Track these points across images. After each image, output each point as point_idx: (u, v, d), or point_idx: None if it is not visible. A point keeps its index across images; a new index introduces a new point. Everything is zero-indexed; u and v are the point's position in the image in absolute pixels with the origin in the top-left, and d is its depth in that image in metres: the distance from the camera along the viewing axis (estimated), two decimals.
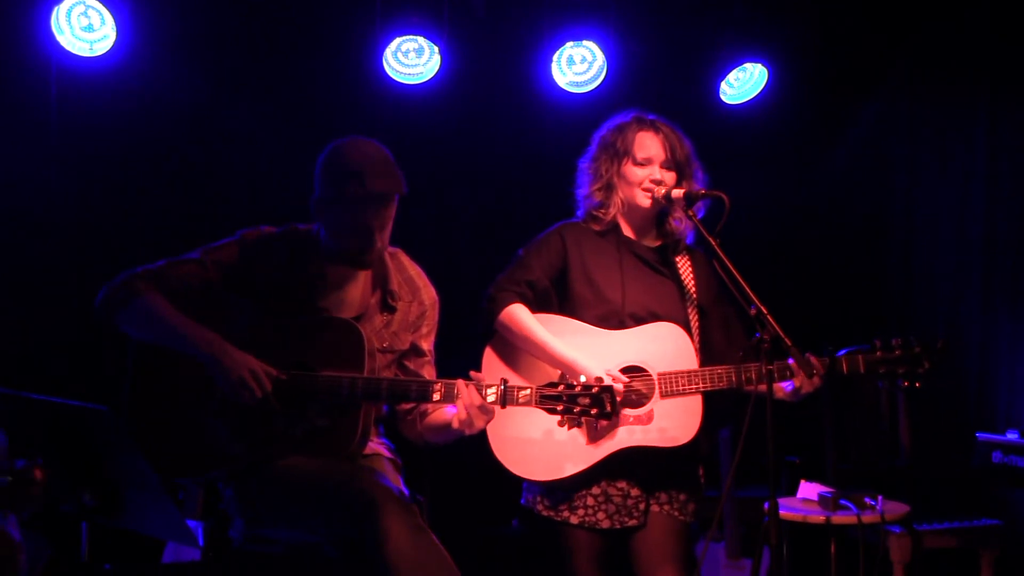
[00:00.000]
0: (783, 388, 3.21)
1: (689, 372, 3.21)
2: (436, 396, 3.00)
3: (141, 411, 3.08)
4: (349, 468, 2.98)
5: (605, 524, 3.24)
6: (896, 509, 4.09)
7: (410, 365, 3.27)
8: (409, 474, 3.28)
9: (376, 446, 3.25)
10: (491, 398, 2.95)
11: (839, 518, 3.99)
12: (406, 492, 3.05)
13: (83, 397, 2.66)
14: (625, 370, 3.22)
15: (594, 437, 3.20)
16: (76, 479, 2.71)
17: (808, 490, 4.21)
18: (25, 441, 2.84)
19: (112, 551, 4.11)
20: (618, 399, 3.10)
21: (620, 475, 3.24)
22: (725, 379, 3.19)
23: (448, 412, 3.17)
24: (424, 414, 3.25)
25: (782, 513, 3.29)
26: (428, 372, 3.28)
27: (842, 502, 4.02)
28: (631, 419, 3.19)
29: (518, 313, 3.24)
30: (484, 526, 4.90)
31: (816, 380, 3.12)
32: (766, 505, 2.91)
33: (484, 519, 4.88)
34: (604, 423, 3.14)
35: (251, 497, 3.04)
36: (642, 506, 3.26)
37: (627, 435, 3.19)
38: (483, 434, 3.12)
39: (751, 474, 3.83)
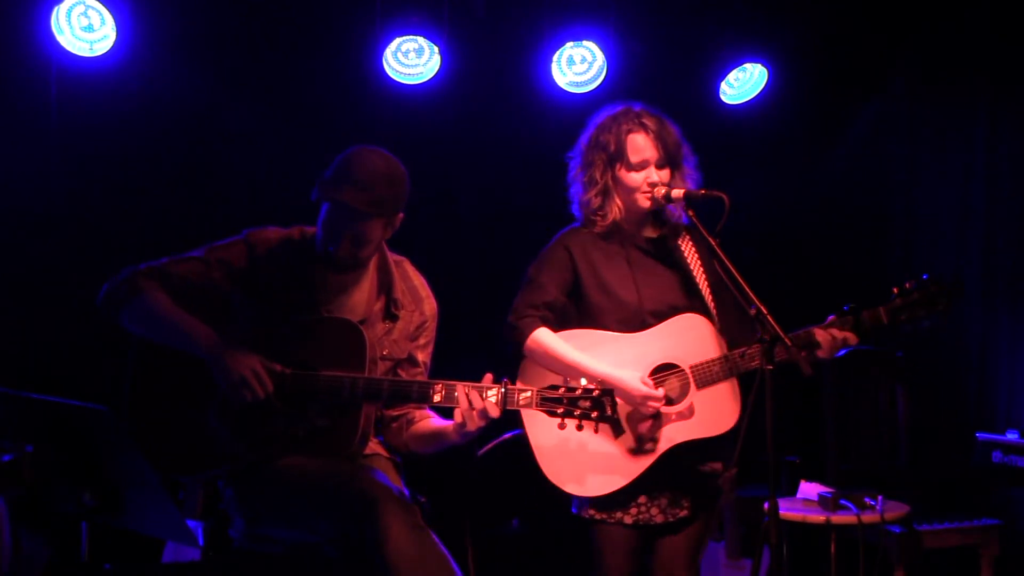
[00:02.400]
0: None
1: (720, 359, 3.21)
2: (437, 397, 2.99)
3: (141, 411, 3.08)
4: (349, 468, 2.98)
5: (659, 519, 3.24)
6: (896, 509, 4.09)
7: (403, 374, 3.24)
8: (409, 474, 3.28)
9: (376, 446, 3.24)
10: (492, 400, 2.94)
11: (839, 518, 3.99)
12: (406, 492, 3.05)
13: (83, 397, 2.66)
14: (657, 369, 3.22)
15: (641, 442, 3.19)
16: (76, 479, 2.70)
17: (808, 490, 4.21)
18: (26, 441, 2.83)
19: (112, 551, 4.10)
20: (660, 406, 3.12)
21: (668, 470, 3.22)
22: (756, 359, 3.17)
23: (435, 423, 3.17)
24: (411, 422, 3.24)
25: (782, 513, 3.29)
26: None
27: (842, 502, 4.03)
28: (673, 416, 3.19)
29: (544, 338, 3.21)
30: (484, 526, 4.89)
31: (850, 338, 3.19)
32: (766, 505, 2.91)
33: (484, 519, 4.88)
34: (648, 424, 3.15)
35: (251, 497, 3.05)
36: (687, 497, 3.27)
37: (673, 432, 3.19)
38: (486, 437, 3.11)
39: (751, 474, 3.82)
